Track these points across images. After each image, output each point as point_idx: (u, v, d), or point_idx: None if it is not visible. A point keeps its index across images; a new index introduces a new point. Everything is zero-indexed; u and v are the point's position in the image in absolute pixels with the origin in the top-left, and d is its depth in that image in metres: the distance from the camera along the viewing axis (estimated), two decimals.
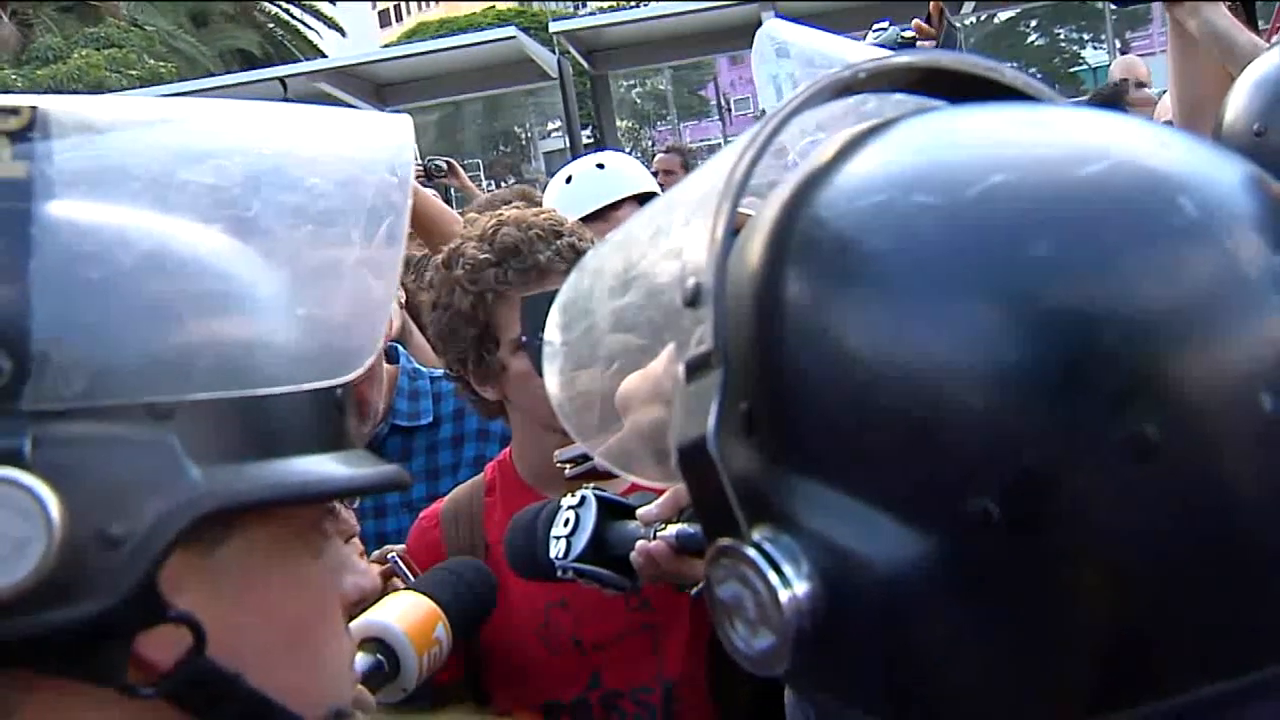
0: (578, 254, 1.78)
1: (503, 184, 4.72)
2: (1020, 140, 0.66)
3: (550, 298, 0.85)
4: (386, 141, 0.80)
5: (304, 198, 0.74)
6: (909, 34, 2.31)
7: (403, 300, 3.05)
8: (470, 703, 1.89)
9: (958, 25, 2.32)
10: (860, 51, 2.37)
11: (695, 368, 0.65)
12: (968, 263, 0.60)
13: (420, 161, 5.09)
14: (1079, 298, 0.58)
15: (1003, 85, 0.75)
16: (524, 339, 1.80)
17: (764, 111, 1.65)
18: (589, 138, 11.91)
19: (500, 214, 1.91)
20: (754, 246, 0.68)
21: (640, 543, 1.32)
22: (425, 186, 4.89)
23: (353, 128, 0.85)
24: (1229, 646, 0.59)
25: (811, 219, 0.66)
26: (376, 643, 1.32)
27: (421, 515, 2.01)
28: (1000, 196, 0.61)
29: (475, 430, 2.30)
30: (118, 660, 0.64)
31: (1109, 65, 8.67)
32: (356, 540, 1.68)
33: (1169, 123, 2.73)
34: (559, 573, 1.39)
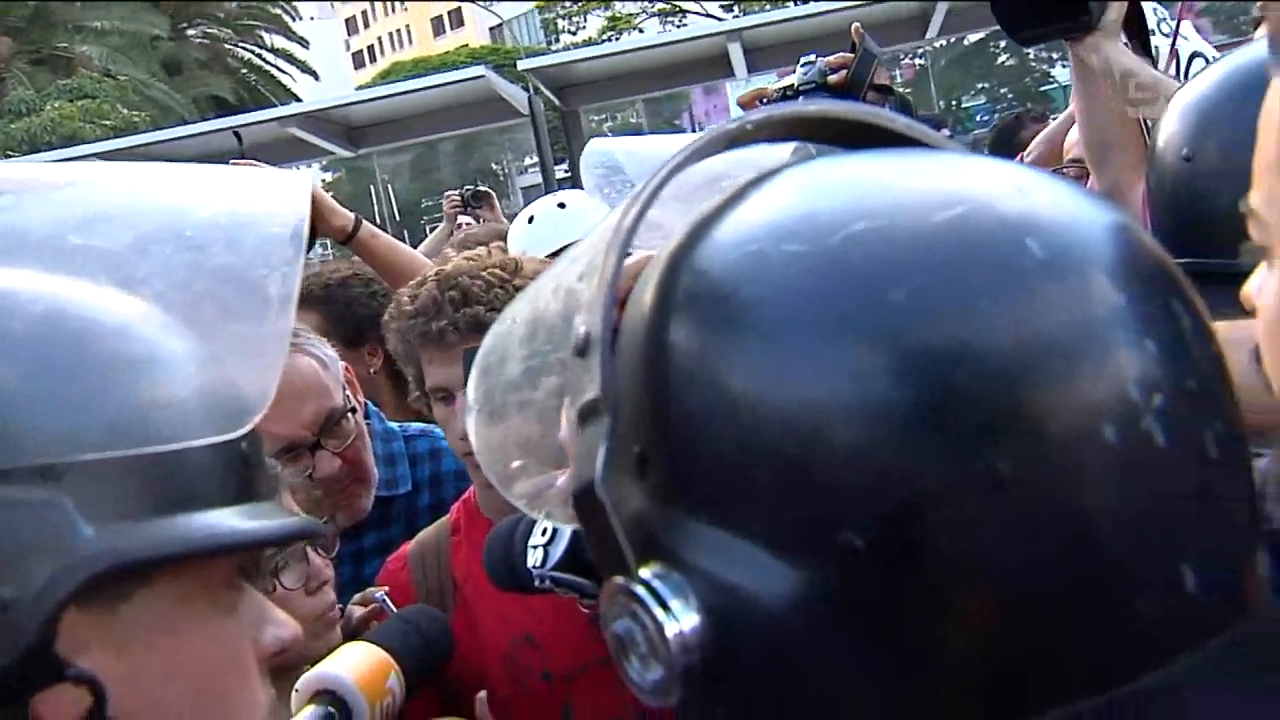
0: (479, 324, 1.77)
1: (480, 222, 4.72)
2: (883, 187, 0.68)
3: None
4: (280, 200, 0.81)
5: (193, 256, 0.76)
6: (833, 60, 2.34)
7: None
8: None
9: (876, 52, 2.34)
10: (678, 143, 2.40)
11: (586, 414, 0.68)
12: (833, 308, 0.63)
13: (459, 191, 5.09)
14: (935, 339, 0.61)
15: (889, 131, 0.78)
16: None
17: None
18: (564, 173, 11.95)
19: (450, 262, 1.92)
20: (645, 294, 0.71)
21: None
22: (462, 215, 4.90)
23: (249, 187, 0.86)
24: (1091, 666, 0.61)
25: (694, 268, 0.69)
26: (328, 695, 1.32)
27: (390, 558, 2.01)
28: (860, 243, 0.64)
29: (453, 499, 2.28)
30: None
31: None
32: (327, 589, 1.68)
33: (1076, 159, 2.76)
34: (536, 582, 1.39)
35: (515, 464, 0.84)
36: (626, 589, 0.66)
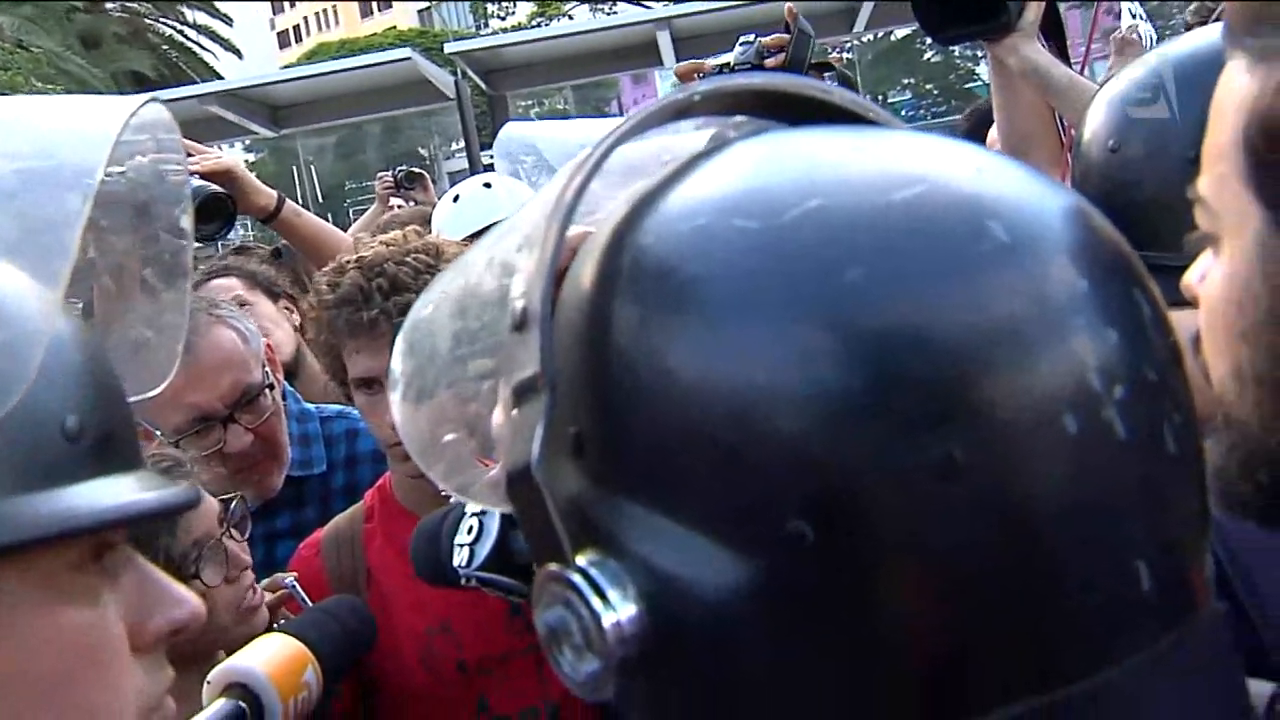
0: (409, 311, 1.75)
1: (411, 204, 4.64)
2: (838, 164, 0.66)
3: None
4: (80, 141, 0.74)
5: None
6: (769, 40, 2.35)
7: (297, 323, 3.00)
8: None
9: (810, 31, 2.36)
10: (601, 127, 2.40)
11: (522, 393, 0.65)
12: (783, 287, 0.60)
13: (392, 171, 5.01)
14: (889, 322, 0.59)
15: (838, 107, 0.76)
16: None
17: None
18: (490, 158, 11.87)
19: (368, 247, 1.88)
20: (585, 270, 0.68)
21: None
22: (395, 197, 4.82)
23: (57, 122, 0.78)
24: (1041, 662, 0.60)
25: (638, 242, 0.66)
26: (240, 688, 1.29)
27: (302, 544, 1.99)
28: (815, 221, 0.61)
29: (368, 480, 2.26)
30: None
31: None
32: (247, 575, 1.64)
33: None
34: (463, 581, 1.38)
35: (443, 445, 0.80)
36: (561, 576, 0.63)
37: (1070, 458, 0.59)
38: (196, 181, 2.32)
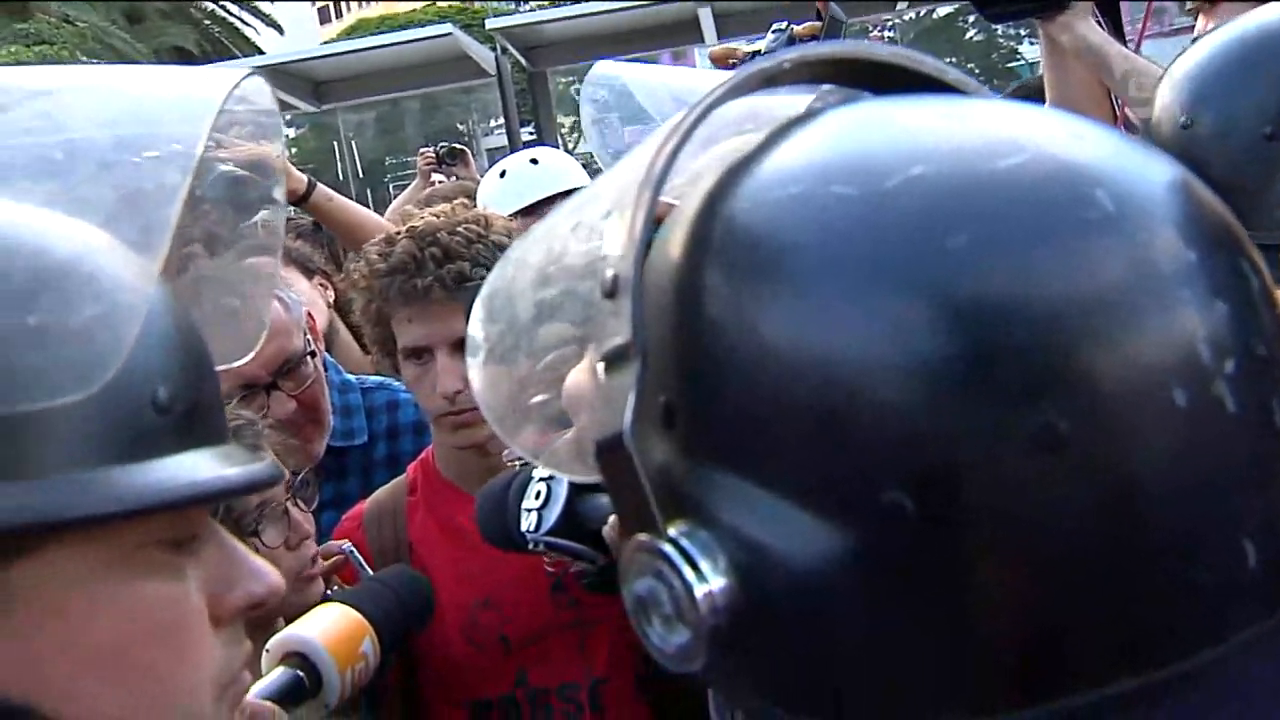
0: (465, 279, 1.75)
1: (452, 180, 4.63)
2: (940, 132, 0.65)
3: None
4: (180, 112, 0.74)
5: (57, 186, 0.70)
6: (801, 29, 2.34)
7: (331, 299, 3.02)
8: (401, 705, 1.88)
9: (843, 18, 2.34)
10: (702, 77, 2.36)
11: (613, 360, 0.64)
12: (883, 255, 0.59)
13: (434, 147, 5.01)
14: (993, 291, 0.58)
15: (925, 76, 0.75)
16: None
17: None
18: (530, 134, 11.86)
19: (418, 218, 1.89)
20: (675, 238, 0.68)
21: (614, 518, 1.29)
22: (436, 173, 4.84)
23: (157, 93, 0.78)
24: (1140, 641, 0.59)
25: (731, 210, 0.65)
26: (298, 657, 1.28)
27: (345, 517, 1.99)
28: (918, 188, 0.60)
29: (410, 452, 2.26)
30: None
31: None
32: (309, 544, 1.65)
33: None
34: (530, 546, 1.38)
35: (523, 411, 0.80)
36: (652, 547, 0.63)
37: (1178, 432, 0.58)
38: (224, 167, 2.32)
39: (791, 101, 0.76)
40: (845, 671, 0.61)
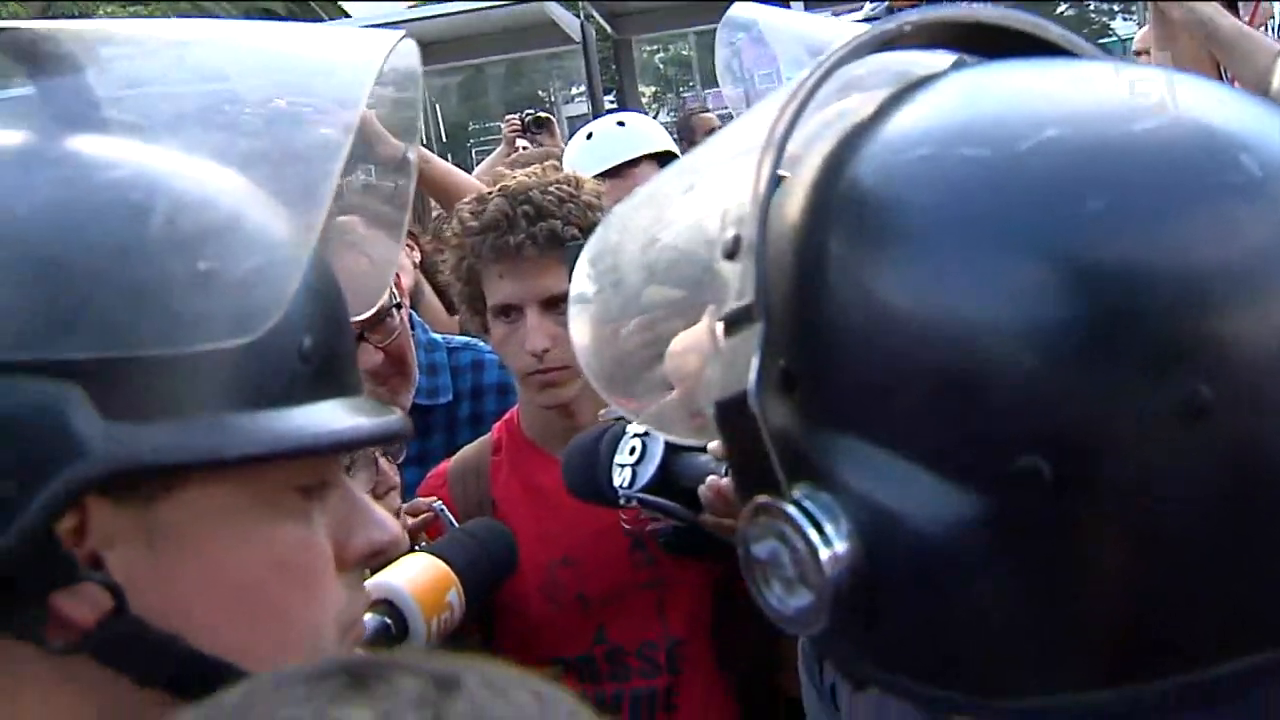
0: (556, 237, 1.77)
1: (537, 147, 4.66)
2: (1071, 95, 0.64)
3: None
4: (342, 72, 0.76)
5: (225, 138, 0.71)
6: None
7: (417, 260, 3.05)
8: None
9: None
10: (838, 27, 2.34)
11: (734, 322, 0.64)
12: (1019, 218, 0.59)
13: (520, 114, 5.05)
14: (1133, 255, 0.57)
15: (1045, 41, 0.73)
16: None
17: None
18: (611, 103, 11.86)
19: (509, 178, 1.91)
20: (794, 201, 0.67)
21: (712, 478, 1.30)
22: (521, 139, 4.88)
23: (315, 53, 0.81)
24: (1268, 618, 0.59)
25: (855, 174, 0.65)
26: (386, 604, 1.30)
27: (430, 474, 2.02)
28: (1053, 151, 0.59)
29: (493, 412, 2.29)
30: (35, 616, 0.62)
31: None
32: (394, 495, 1.69)
33: None
34: (621, 500, 1.38)
35: (625, 370, 0.80)
36: (775, 508, 0.62)
37: None
38: None
39: (885, 64, 0.76)
40: (965, 635, 0.61)
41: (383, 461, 1.64)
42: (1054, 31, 0.74)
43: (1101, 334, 0.56)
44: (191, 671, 0.66)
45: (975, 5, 0.77)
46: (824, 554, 0.61)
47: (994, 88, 0.67)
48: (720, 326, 0.64)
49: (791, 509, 0.62)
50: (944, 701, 0.63)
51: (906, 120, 0.66)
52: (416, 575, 1.36)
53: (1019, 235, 0.58)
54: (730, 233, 0.65)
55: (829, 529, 0.61)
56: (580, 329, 0.81)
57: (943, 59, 0.73)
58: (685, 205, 0.75)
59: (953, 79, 0.69)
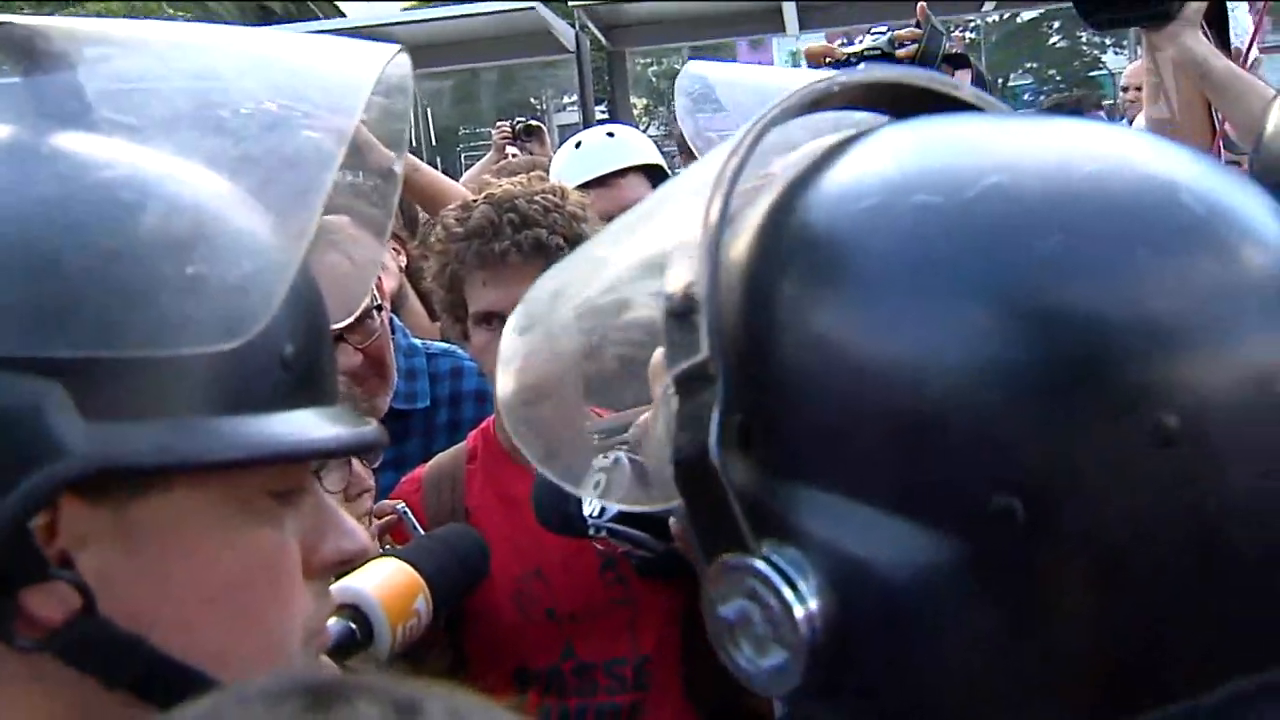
0: (541, 246, 1.78)
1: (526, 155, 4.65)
2: (1012, 144, 0.66)
3: None
4: (337, 83, 0.76)
5: (217, 142, 0.72)
6: (903, 33, 2.34)
7: (403, 264, 3.05)
8: (449, 666, 1.90)
9: (941, 29, 2.35)
10: (787, 77, 2.38)
11: (688, 380, 0.63)
12: (974, 261, 0.60)
13: (511, 122, 5.05)
14: (1088, 295, 0.58)
15: (967, 104, 0.76)
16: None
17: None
18: (603, 113, 11.87)
19: (494, 186, 1.92)
20: (741, 255, 0.67)
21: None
22: (510, 146, 4.88)
23: (311, 62, 0.81)
24: (1247, 642, 0.60)
25: (803, 223, 0.66)
26: (351, 609, 1.29)
27: (404, 479, 2.03)
28: (1001, 196, 0.61)
29: (471, 419, 2.29)
30: (2, 612, 0.62)
31: None
32: (367, 498, 1.68)
33: None
34: (591, 530, 1.38)
35: (554, 431, 0.80)
36: (745, 566, 0.62)
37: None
38: None
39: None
40: (937, 683, 0.61)
41: (356, 464, 1.64)
42: (966, 92, 0.76)
43: (1061, 374, 0.58)
44: (158, 675, 0.66)
45: (902, 69, 0.79)
46: (798, 611, 0.61)
47: (936, 139, 0.69)
48: (671, 383, 0.64)
49: (762, 565, 0.61)
50: None
51: (848, 172, 0.67)
52: (384, 581, 1.35)
53: (975, 279, 0.60)
54: (678, 288, 0.65)
55: (801, 585, 0.61)
56: (506, 374, 0.81)
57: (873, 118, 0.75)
58: (631, 264, 0.76)
59: (886, 133, 0.70)
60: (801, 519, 0.62)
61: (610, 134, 3.41)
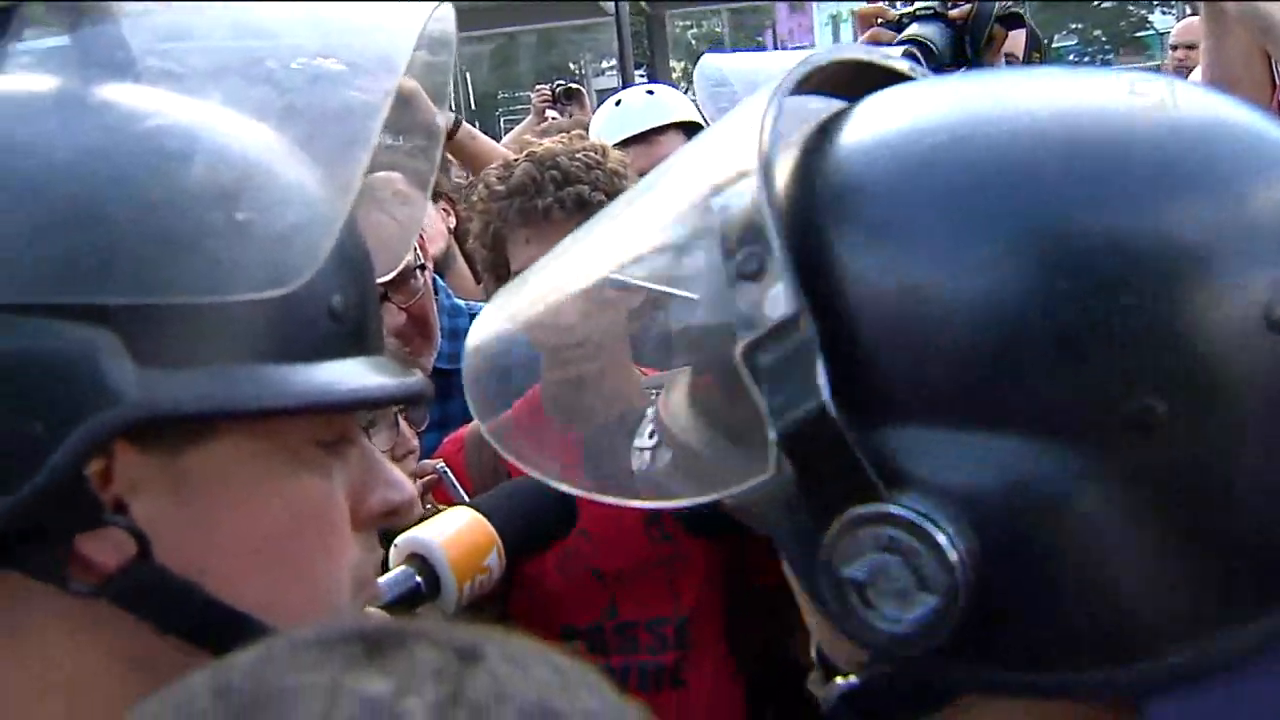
0: (583, 202, 1.77)
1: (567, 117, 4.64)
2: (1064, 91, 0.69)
3: None
4: (382, 36, 0.76)
5: (263, 92, 0.72)
6: None
7: (452, 225, 3.07)
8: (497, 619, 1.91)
9: None
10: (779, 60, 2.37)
11: (773, 340, 0.60)
12: (1075, 188, 0.61)
13: (550, 85, 5.05)
14: (1187, 201, 0.60)
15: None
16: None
17: None
18: (642, 76, 11.84)
19: (535, 145, 1.92)
20: (803, 214, 0.65)
21: None
22: (550, 109, 4.89)
23: (355, 17, 0.81)
24: None
25: (841, 173, 0.65)
26: (419, 560, 1.24)
27: (448, 439, 2.03)
28: (1094, 120, 0.64)
29: None
30: (58, 557, 0.63)
31: None
32: (411, 459, 1.69)
33: None
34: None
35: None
36: (883, 514, 0.59)
37: None
38: None
39: None
40: (1095, 596, 0.60)
41: (403, 424, 1.65)
42: (920, 71, 0.76)
43: (1170, 269, 0.59)
44: (210, 621, 0.66)
45: (841, 47, 0.78)
46: (951, 554, 0.58)
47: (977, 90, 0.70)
48: (741, 349, 0.61)
49: (902, 510, 0.59)
50: (1101, 685, 0.61)
51: (897, 119, 0.68)
52: (455, 533, 1.29)
53: (1073, 201, 0.60)
54: (744, 252, 0.62)
55: (946, 526, 0.58)
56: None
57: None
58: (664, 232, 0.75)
59: (926, 86, 0.72)
60: (917, 461, 0.60)
61: (650, 92, 3.42)
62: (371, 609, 1.06)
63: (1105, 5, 20.34)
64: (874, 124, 0.68)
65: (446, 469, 1.77)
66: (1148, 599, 0.60)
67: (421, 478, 1.81)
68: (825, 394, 0.59)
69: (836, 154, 0.66)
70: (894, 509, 0.59)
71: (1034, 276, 0.59)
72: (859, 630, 0.61)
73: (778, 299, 0.60)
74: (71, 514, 0.63)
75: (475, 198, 1.91)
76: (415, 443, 1.69)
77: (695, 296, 0.72)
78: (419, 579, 1.23)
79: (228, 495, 0.68)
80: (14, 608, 0.65)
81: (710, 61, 1.86)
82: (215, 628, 0.66)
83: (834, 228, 0.64)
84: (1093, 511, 0.58)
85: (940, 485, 0.59)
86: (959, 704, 0.64)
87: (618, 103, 3.35)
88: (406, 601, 1.21)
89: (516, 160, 1.87)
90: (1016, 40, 2.62)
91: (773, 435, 0.60)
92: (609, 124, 3.20)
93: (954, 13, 2.34)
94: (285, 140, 0.70)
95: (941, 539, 0.58)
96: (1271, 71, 2.14)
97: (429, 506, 1.72)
